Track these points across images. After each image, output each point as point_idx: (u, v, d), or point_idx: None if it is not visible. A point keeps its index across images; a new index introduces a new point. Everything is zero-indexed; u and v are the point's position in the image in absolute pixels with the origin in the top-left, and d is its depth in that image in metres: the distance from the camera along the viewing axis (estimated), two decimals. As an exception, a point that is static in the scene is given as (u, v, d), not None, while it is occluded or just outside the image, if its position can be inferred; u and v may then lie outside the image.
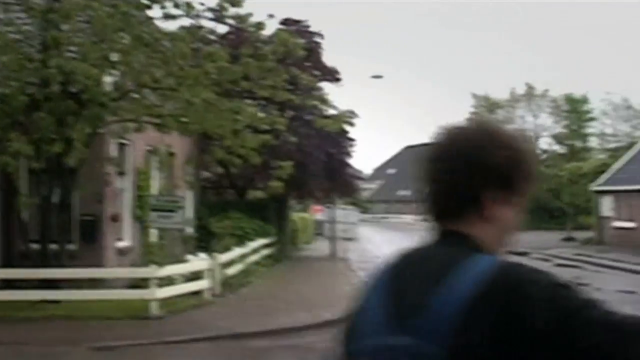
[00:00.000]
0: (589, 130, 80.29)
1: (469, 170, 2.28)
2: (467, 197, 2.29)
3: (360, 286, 2.43)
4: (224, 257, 23.49)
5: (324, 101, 31.00)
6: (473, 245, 2.25)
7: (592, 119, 79.69)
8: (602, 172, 51.35)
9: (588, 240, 47.98)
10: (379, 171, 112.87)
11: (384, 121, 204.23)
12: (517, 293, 2.08)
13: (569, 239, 50.69)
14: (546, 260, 37.65)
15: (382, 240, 54.17)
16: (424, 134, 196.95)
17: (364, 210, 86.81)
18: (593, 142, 79.72)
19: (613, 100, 76.00)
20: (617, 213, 45.77)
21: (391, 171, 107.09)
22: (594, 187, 49.55)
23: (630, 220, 43.96)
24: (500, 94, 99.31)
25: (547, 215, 68.61)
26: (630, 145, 56.06)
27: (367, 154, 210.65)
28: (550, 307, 2.06)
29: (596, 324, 2.08)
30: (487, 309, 2.05)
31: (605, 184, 48.04)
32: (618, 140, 72.95)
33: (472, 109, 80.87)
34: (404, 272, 2.29)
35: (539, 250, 42.64)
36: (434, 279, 2.14)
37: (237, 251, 25.26)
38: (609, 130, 77.01)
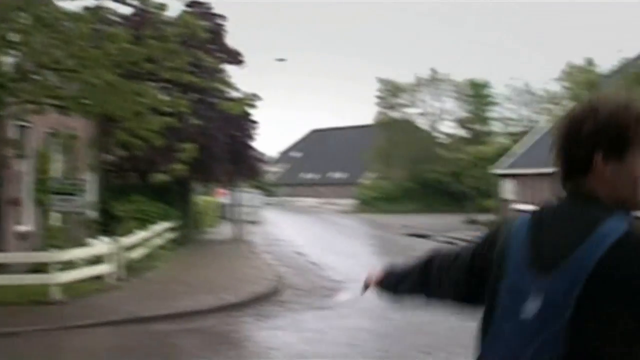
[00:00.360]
0: (492, 115, 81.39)
1: (582, 138, 2.72)
2: (584, 160, 2.72)
3: (503, 230, 2.90)
4: (127, 240, 23.25)
5: (227, 84, 30.83)
6: (604, 206, 2.66)
7: (494, 104, 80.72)
8: (504, 155, 52.18)
9: (490, 223, 48.62)
10: (285, 154, 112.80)
11: (291, 105, 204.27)
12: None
13: (471, 222, 51.35)
14: (449, 242, 38.08)
15: (286, 223, 54.27)
16: (331, 118, 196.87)
17: (269, 194, 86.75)
18: (496, 126, 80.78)
19: (516, 85, 77.13)
20: (519, 196, 46.51)
21: (297, 154, 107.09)
22: (496, 170, 50.25)
23: (532, 203, 44.50)
24: (406, 78, 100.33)
25: (448, 198, 69.43)
26: (531, 130, 56.96)
27: (274, 137, 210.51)
28: None
29: None
30: (615, 265, 2.50)
31: (508, 167, 48.75)
32: (520, 125, 74.03)
33: (378, 93, 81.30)
34: (544, 225, 2.74)
35: (441, 233, 43.22)
36: (576, 236, 2.59)
37: (140, 235, 25.02)
38: (511, 115, 78.17)
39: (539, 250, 2.68)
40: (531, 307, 2.61)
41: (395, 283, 3.66)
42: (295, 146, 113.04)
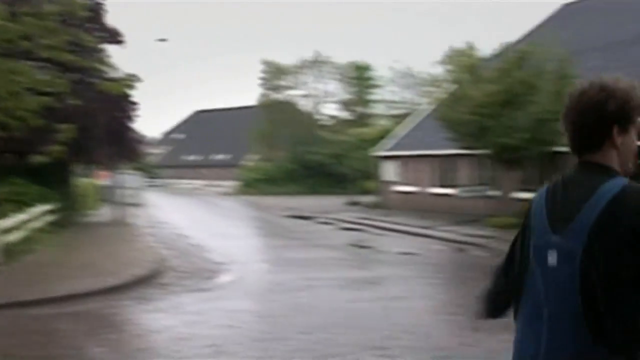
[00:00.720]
0: (375, 97, 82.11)
1: (599, 115, 3.33)
2: (600, 133, 3.35)
3: (534, 199, 3.56)
4: (3, 223, 22.71)
5: (107, 64, 30.35)
6: (607, 172, 3.32)
7: (377, 86, 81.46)
8: (385, 137, 52.62)
9: (372, 204, 49.09)
10: (168, 136, 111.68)
11: (175, 86, 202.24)
12: (633, 202, 3.18)
13: (353, 204, 51.70)
14: (330, 224, 38.34)
15: (169, 206, 53.89)
16: (214, 99, 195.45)
17: (151, 176, 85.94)
18: (378, 108, 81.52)
19: (398, 68, 77.98)
20: (400, 177, 47.01)
21: (180, 136, 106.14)
22: (378, 152, 50.60)
23: (413, 184, 45.37)
24: (290, 60, 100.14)
25: (330, 180, 69.72)
26: (413, 112, 57.56)
27: (157, 119, 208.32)
28: None
29: None
30: (612, 218, 3.15)
31: (389, 149, 49.20)
32: (402, 107, 74.83)
33: (262, 75, 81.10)
34: (558, 192, 3.40)
35: (322, 214, 43.39)
36: (582, 199, 3.24)
37: (17, 217, 24.46)
38: (394, 98, 78.98)
39: (554, 212, 3.36)
40: (551, 258, 3.29)
41: (496, 308, 3.92)
42: (178, 128, 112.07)
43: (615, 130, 3.33)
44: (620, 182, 3.24)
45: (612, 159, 3.36)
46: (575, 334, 3.17)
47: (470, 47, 33.96)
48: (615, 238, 3.12)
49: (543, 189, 3.51)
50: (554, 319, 3.25)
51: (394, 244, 28.76)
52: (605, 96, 3.31)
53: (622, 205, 3.15)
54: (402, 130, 50.73)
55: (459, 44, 34.24)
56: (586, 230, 3.16)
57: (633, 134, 3.39)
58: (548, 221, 3.36)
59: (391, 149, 48.91)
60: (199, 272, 21.30)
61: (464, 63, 33.43)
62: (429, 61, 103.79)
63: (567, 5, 47.51)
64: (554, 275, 3.26)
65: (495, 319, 3.93)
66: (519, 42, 38.92)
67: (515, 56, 32.17)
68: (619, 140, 3.34)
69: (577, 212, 3.22)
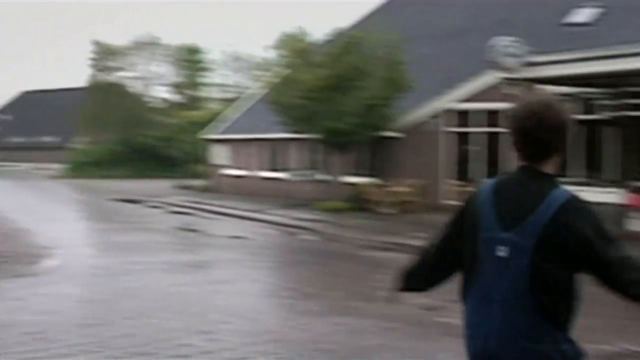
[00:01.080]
0: (207, 81, 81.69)
1: (551, 130, 3.80)
2: (554, 147, 3.84)
3: (473, 198, 3.99)
4: None
5: None
6: (553, 181, 3.80)
7: (208, 69, 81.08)
8: (216, 121, 52.30)
9: (203, 188, 48.81)
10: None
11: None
12: (577, 212, 3.70)
13: (183, 187, 51.25)
14: (158, 207, 37.88)
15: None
16: (43, 80, 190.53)
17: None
18: (210, 92, 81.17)
19: (230, 51, 77.77)
20: (231, 161, 46.84)
21: (6, 117, 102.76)
22: (209, 135, 50.30)
23: (244, 168, 45.27)
24: (121, 41, 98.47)
25: (159, 164, 68.95)
26: (243, 96, 57.40)
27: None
28: (595, 225, 3.69)
29: (615, 247, 3.70)
30: (560, 223, 3.66)
31: (220, 132, 48.91)
32: (234, 91, 74.69)
33: (92, 56, 79.19)
34: (506, 191, 3.87)
35: (151, 198, 42.85)
36: (533, 202, 3.73)
37: None
38: (226, 81, 78.73)
39: (503, 210, 3.81)
40: (502, 251, 3.75)
41: (415, 282, 4.42)
42: (4, 109, 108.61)
43: (557, 147, 3.86)
44: (566, 192, 3.75)
45: (555, 168, 3.88)
46: (524, 314, 3.71)
47: (303, 32, 34.04)
48: (561, 239, 3.67)
49: (486, 185, 3.98)
50: (505, 303, 3.75)
51: (223, 227, 28.62)
52: (566, 117, 3.85)
53: (569, 213, 3.68)
54: (233, 113, 50.52)
55: (292, 28, 34.23)
56: (537, 231, 3.68)
57: (565, 148, 3.92)
58: (497, 217, 3.82)
59: (221, 133, 48.63)
60: (23, 257, 20.58)
61: (295, 47, 33.49)
62: (262, 45, 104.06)
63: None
64: (506, 266, 3.75)
65: (414, 292, 4.43)
66: (351, 28, 39.30)
67: (346, 41, 32.44)
68: (562, 155, 3.89)
69: (529, 213, 3.71)
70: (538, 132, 3.79)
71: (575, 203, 3.72)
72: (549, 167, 3.86)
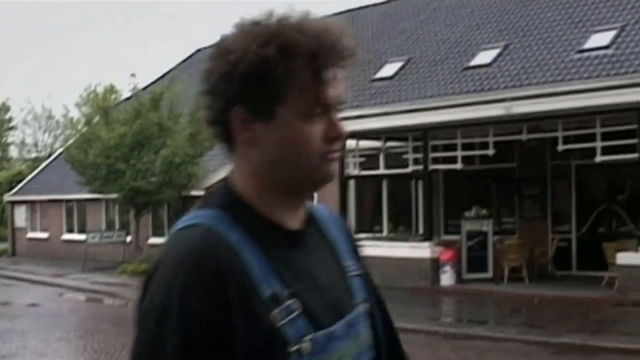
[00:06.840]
0: (10, 140, 79.60)
1: (216, 83, 1.83)
2: (215, 118, 1.88)
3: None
4: None
5: None
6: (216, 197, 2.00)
7: (12, 128, 78.95)
8: (19, 181, 50.67)
9: (2, 251, 46.99)
10: None
11: None
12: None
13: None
14: None
15: None
16: None
17: None
18: (13, 151, 79.19)
19: (35, 109, 75.90)
20: (31, 223, 45.36)
21: None
22: (7, 197, 48.58)
23: (44, 230, 43.83)
24: None
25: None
26: (49, 156, 56.06)
27: None
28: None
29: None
30: None
31: (17, 193, 47.40)
32: (39, 150, 72.94)
33: None
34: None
35: None
36: None
37: None
38: (29, 140, 76.84)
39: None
40: None
41: None
42: None
43: (236, 114, 2.18)
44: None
45: (241, 173, 2.19)
46: None
47: (108, 88, 33.22)
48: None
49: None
50: None
51: (22, 294, 27.10)
52: (215, 54, 2.20)
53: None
54: (31, 174, 49.08)
55: (100, 84, 33.56)
56: None
57: (289, 120, 2.13)
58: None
59: (18, 193, 47.22)
60: None
61: (97, 104, 32.57)
62: (69, 103, 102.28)
63: (200, 50, 47.34)
64: None
65: None
66: (154, 83, 38.66)
67: (149, 97, 31.60)
68: (249, 133, 2.24)
69: None
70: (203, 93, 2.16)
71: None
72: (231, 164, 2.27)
